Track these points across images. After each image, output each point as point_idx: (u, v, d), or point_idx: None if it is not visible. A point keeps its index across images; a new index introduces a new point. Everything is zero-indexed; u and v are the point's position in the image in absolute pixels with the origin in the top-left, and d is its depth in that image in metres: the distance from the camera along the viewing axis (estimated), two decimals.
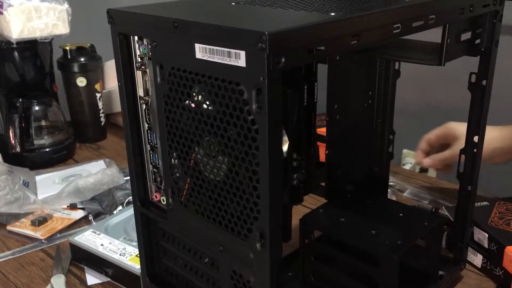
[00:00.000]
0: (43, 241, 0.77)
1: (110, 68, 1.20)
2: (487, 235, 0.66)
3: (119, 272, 0.66)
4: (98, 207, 0.86)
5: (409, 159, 1.60)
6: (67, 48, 1.10)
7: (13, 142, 0.99)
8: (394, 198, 0.87)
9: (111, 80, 1.22)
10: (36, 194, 0.88)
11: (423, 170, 1.59)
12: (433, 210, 0.61)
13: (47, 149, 1.03)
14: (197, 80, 0.40)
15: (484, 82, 0.56)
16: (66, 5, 1.01)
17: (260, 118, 0.36)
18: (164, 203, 0.51)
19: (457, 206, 0.63)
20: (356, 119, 0.64)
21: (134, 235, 0.67)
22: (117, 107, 1.18)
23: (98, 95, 1.14)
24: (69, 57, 1.10)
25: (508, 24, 0.76)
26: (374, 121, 0.66)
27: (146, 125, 0.51)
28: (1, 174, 0.81)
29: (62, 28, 1.00)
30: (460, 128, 0.77)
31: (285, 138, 0.38)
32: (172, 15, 0.41)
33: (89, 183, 0.88)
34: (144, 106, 0.50)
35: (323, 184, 0.67)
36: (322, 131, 0.61)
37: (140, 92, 0.50)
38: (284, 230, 0.40)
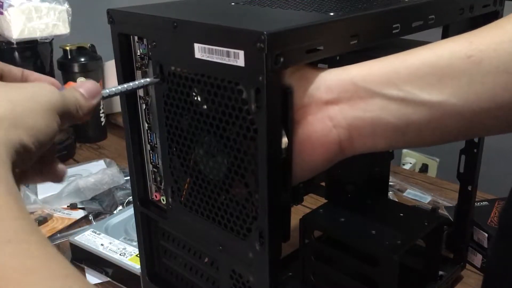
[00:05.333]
0: None
1: (110, 68, 1.20)
2: (487, 235, 0.66)
3: (119, 272, 0.66)
4: (98, 207, 0.86)
5: (409, 159, 1.60)
6: (67, 48, 1.09)
7: None
8: (394, 198, 0.87)
9: (111, 80, 1.22)
10: (36, 194, 0.88)
11: (423, 170, 1.59)
12: (433, 210, 0.61)
13: None
14: (196, 79, 0.40)
15: None
16: (66, 5, 1.01)
17: (259, 117, 0.36)
18: (164, 203, 0.51)
19: (457, 206, 0.63)
20: None
21: (134, 235, 0.67)
22: (117, 107, 1.18)
23: None
24: (69, 57, 1.10)
25: None
26: None
27: (146, 125, 0.51)
28: None
29: (62, 28, 1.01)
30: None
31: (285, 138, 0.38)
32: (172, 15, 0.41)
33: (89, 183, 0.88)
34: (144, 106, 0.50)
35: (323, 184, 0.67)
36: None
37: (140, 92, 0.50)
38: (283, 230, 0.40)
